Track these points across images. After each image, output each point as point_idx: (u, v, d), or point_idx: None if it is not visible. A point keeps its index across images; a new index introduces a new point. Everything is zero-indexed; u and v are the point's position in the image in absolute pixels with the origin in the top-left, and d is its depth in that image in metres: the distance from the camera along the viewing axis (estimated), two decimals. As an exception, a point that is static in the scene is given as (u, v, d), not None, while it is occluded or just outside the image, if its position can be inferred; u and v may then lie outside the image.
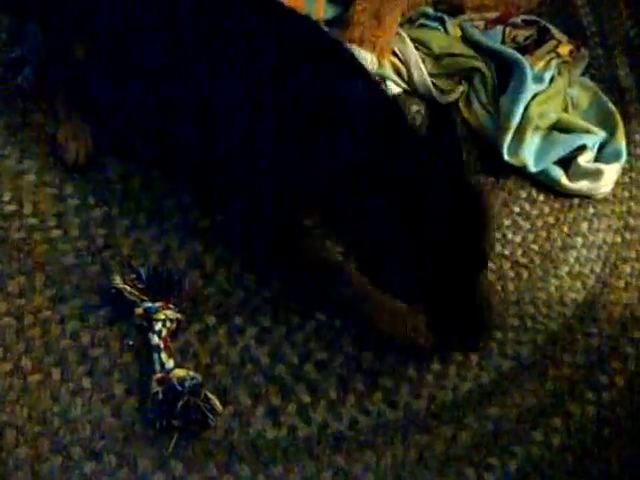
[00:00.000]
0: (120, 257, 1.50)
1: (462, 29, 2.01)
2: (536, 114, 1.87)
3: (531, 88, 1.89)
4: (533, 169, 1.85)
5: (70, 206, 1.56)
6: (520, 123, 1.86)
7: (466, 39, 2.00)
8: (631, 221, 1.89)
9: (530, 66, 1.93)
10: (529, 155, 1.86)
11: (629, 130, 2.06)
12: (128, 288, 1.40)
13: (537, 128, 1.88)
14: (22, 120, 1.66)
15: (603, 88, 2.09)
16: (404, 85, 1.92)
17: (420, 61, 1.92)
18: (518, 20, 2.06)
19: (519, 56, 1.93)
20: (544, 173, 1.86)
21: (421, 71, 1.91)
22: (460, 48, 1.95)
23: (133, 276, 1.44)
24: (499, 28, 2.04)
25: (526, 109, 1.87)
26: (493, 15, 2.06)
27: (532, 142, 1.87)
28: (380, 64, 1.88)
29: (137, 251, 1.52)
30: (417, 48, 1.93)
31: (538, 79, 1.93)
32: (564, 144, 1.88)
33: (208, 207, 1.61)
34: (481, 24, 2.05)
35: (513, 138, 1.85)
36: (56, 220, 1.53)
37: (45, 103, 1.67)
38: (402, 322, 1.45)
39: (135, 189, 1.62)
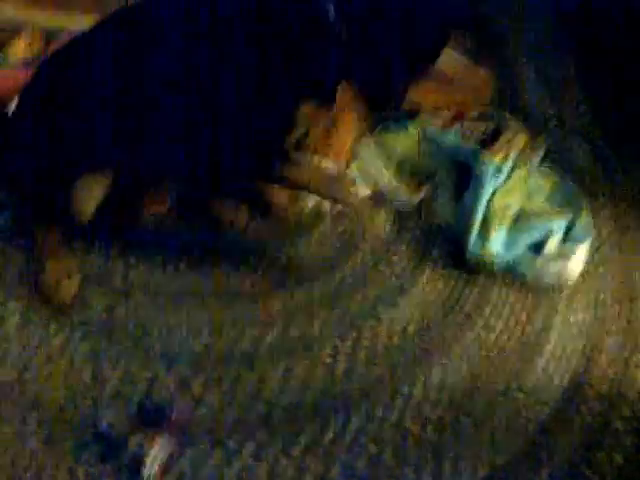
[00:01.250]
0: (110, 389, 1.52)
1: (423, 131, 2.08)
2: (498, 208, 1.93)
3: (491, 183, 1.95)
4: (503, 259, 1.89)
5: (56, 343, 1.58)
6: (484, 218, 1.91)
7: (426, 139, 2.06)
8: (605, 297, 1.92)
9: (489, 161, 1.98)
10: (497, 247, 1.90)
11: (594, 208, 2.12)
12: (118, 422, 1.42)
13: (501, 221, 1.93)
14: (3, 261, 1.71)
15: (564, 171, 2.15)
16: (371, 189, 1.99)
17: (384, 169, 1.99)
18: (475, 114, 2.14)
19: (477, 152, 2.00)
20: (516, 262, 1.90)
21: (385, 177, 1.98)
22: (422, 149, 2.02)
23: (122, 409, 1.45)
24: (456, 126, 2.10)
25: (488, 204, 1.93)
26: (449, 115, 2.13)
27: (498, 235, 1.91)
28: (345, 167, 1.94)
29: (125, 382, 1.54)
30: (382, 153, 2.00)
31: (497, 173, 1.98)
32: (531, 232, 1.93)
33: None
34: (439, 123, 2.11)
35: (478, 233, 1.90)
36: (44, 359, 1.55)
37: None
38: None
39: (119, 320, 1.66)
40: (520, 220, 1.96)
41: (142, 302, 1.70)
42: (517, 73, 2.51)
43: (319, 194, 1.84)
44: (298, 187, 1.80)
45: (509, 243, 1.92)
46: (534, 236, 1.92)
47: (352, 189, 1.90)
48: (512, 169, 2.02)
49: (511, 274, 1.91)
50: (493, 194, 1.95)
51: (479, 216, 1.90)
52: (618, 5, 2.71)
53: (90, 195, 1.59)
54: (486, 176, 1.95)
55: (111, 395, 1.52)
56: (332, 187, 1.79)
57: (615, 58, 2.61)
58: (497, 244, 1.90)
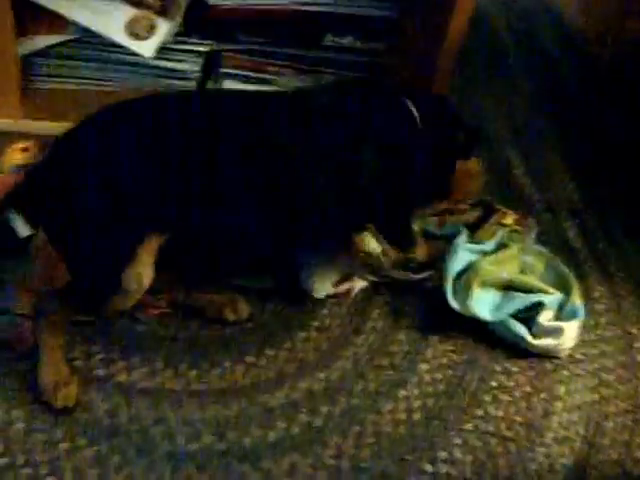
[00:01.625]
0: (116, 496, 1.53)
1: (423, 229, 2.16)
2: (484, 270, 1.98)
3: (466, 247, 2.04)
4: (489, 319, 1.93)
5: (61, 450, 1.59)
6: (466, 277, 1.98)
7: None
8: (605, 376, 1.94)
9: (466, 230, 2.09)
10: (481, 307, 1.94)
11: (587, 288, 2.15)
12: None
13: (486, 283, 1.98)
14: (5, 369, 1.72)
15: (555, 251, 2.18)
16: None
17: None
18: (464, 206, 2.19)
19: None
20: (509, 330, 1.93)
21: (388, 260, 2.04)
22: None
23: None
24: (449, 219, 2.18)
25: (472, 266, 2.00)
26: (441, 209, 2.18)
27: (484, 296, 1.96)
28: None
29: (131, 486, 1.55)
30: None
31: (477, 242, 2.07)
32: (521, 299, 1.96)
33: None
34: (436, 220, 2.18)
35: (460, 290, 1.96)
36: (49, 467, 1.56)
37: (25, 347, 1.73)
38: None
39: (123, 422, 1.66)
40: (510, 289, 2.01)
41: (143, 405, 1.71)
42: (503, 160, 2.57)
43: None
44: None
45: (498, 306, 1.97)
46: (524, 303, 1.95)
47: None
48: (503, 244, 2.08)
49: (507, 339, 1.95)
50: (481, 259, 2.02)
51: (451, 274, 1.98)
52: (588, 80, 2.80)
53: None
54: (459, 242, 2.04)
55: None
56: None
57: (595, 133, 2.69)
58: (481, 306, 1.95)
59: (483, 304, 1.96)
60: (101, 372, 1.76)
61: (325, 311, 2.00)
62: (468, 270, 2.01)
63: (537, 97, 2.91)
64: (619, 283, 2.23)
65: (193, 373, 1.80)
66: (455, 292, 1.97)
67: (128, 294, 1.65)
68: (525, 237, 2.16)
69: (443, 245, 2.07)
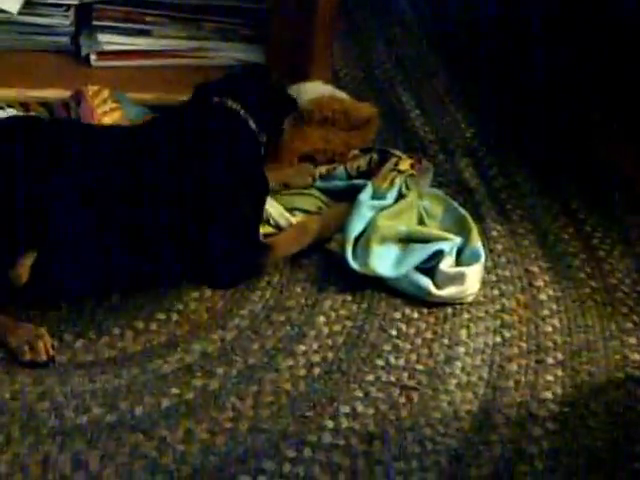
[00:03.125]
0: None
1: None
2: (382, 227, 1.94)
3: (368, 204, 1.99)
4: (391, 275, 1.89)
5: None
6: (366, 235, 1.95)
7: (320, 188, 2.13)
8: (507, 318, 1.91)
9: (371, 185, 2.03)
10: (381, 264, 1.90)
11: (485, 228, 2.12)
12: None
13: (385, 239, 1.94)
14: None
15: (452, 193, 2.15)
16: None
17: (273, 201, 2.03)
18: (356, 152, 2.14)
19: (357, 181, 2.07)
20: (412, 284, 1.89)
21: (277, 210, 2.02)
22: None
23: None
24: (340, 168, 2.14)
25: (371, 223, 1.96)
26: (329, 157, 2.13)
27: (384, 253, 1.93)
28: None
29: (15, 467, 1.44)
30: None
31: (379, 196, 2.02)
32: (421, 251, 1.92)
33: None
34: (323, 170, 2.15)
35: (360, 249, 1.93)
36: None
37: None
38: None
39: (5, 399, 1.57)
40: (409, 241, 1.96)
41: (27, 380, 1.61)
42: (395, 103, 2.53)
43: None
44: None
45: (398, 261, 1.92)
46: (423, 255, 1.92)
47: None
48: (402, 194, 2.04)
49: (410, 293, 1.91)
50: (377, 215, 1.98)
51: (352, 234, 1.93)
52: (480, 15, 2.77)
53: None
54: (362, 198, 1.99)
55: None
56: None
57: (488, 68, 2.66)
58: (383, 261, 1.91)
59: (384, 261, 1.92)
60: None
61: (217, 269, 1.91)
62: (367, 228, 1.96)
63: (428, 37, 2.87)
64: (517, 222, 2.21)
65: (79, 343, 1.71)
66: (354, 253, 1.92)
67: None
68: (420, 180, 2.12)
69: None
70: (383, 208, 2.00)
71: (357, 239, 1.95)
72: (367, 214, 1.98)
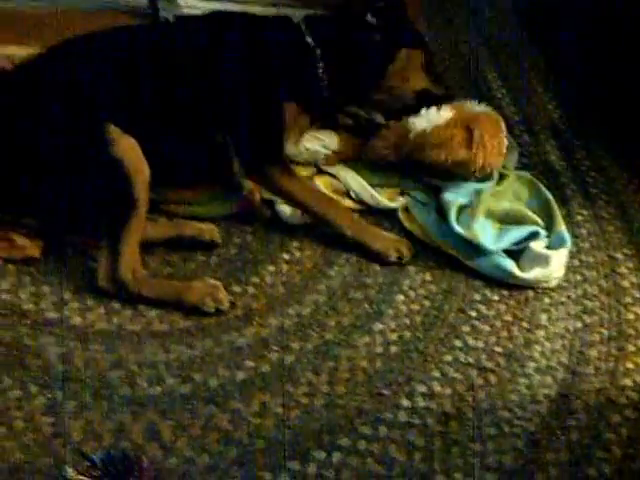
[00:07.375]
0: (71, 444, 1.43)
1: None
2: (488, 200, 1.95)
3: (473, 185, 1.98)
4: (490, 246, 1.85)
5: (11, 399, 1.49)
6: (472, 206, 1.94)
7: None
8: (588, 304, 1.86)
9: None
10: (483, 234, 1.87)
11: (569, 212, 2.07)
12: (82, 479, 1.32)
13: (489, 214, 1.93)
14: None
15: (537, 174, 2.09)
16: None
17: (356, 175, 2.00)
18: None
19: None
20: (496, 266, 1.85)
21: (360, 184, 1.98)
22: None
23: (87, 464, 1.35)
24: None
25: (477, 196, 1.96)
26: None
27: (487, 226, 1.91)
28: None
29: (88, 434, 1.45)
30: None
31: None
32: (517, 231, 1.90)
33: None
34: None
35: (464, 216, 1.92)
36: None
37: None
38: None
39: (77, 367, 1.56)
40: (504, 222, 1.94)
41: (100, 348, 1.61)
42: (481, 81, 2.47)
43: None
44: None
45: (495, 238, 1.89)
46: (519, 236, 1.89)
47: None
48: (501, 176, 2.04)
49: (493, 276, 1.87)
50: (483, 191, 1.97)
51: (460, 201, 1.94)
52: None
53: None
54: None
55: (73, 449, 1.42)
56: None
57: (577, 49, 2.58)
58: (484, 233, 1.88)
59: (486, 233, 1.89)
60: (52, 315, 1.66)
61: (295, 243, 1.90)
62: (473, 201, 1.95)
63: (518, 15, 2.80)
64: (602, 206, 2.14)
65: (153, 313, 1.71)
66: (458, 219, 1.90)
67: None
68: (508, 162, 2.07)
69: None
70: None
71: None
72: (469, 187, 1.98)
